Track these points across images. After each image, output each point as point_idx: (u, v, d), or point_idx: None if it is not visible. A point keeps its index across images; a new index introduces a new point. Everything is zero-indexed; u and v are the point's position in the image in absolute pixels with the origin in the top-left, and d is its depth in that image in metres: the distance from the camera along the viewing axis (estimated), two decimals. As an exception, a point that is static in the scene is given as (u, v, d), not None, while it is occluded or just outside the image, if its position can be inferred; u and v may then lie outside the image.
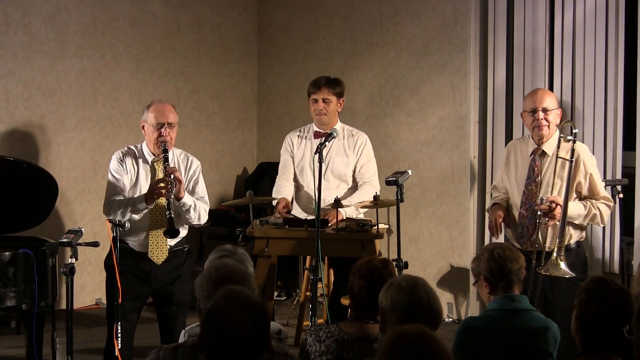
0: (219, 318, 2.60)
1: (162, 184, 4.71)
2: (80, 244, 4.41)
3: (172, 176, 4.72)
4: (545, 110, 4.87)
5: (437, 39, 6.86)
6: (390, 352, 2.44)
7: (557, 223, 4.71)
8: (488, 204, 5.46)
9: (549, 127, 4.88)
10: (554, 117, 4.91)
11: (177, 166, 4.92)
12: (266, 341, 2.67)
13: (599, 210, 4.80)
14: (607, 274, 5.90)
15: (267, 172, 7.70)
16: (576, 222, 4.79)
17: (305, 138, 5.75)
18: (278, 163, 5.98)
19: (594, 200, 4.82)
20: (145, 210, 4.80)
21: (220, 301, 2.66)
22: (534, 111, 4.88)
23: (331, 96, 5.61)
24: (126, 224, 4.61)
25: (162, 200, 4.78)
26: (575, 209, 4.77)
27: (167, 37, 7.53)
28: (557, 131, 4.92)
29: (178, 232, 4.76)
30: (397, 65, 7.12)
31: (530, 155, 4.94)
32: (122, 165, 4.91)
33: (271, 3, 8.02)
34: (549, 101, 4.91)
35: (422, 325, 2.55)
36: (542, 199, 4.78)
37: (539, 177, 4.88)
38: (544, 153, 4.90)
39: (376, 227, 5.35)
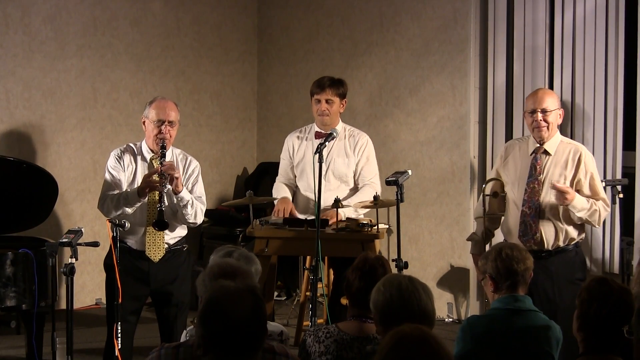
0: (218, 307, 2.60)
1: (155, 177, 4.71)
2: (80, 244, 4.40)
3: (166, 173, 4.71)
4: (544, 111, 4.86)
5: (437, 39, 6.86)
6: (390, 353, 2.44)
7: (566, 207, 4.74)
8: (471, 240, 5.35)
9: (548, 128, 4.88)
10: (554, 117, 4.90)
11: (175, 165, 4.92)
12: (266, 327, 2.68)
13: (598, 209, 4.82)
14: (607, 274, 5.90)
15: (267, 172, 7.70)
16: (579, 214, 4.77)
17: (306, 139, 5.74)
18: (278, 163, 5.98)
19: (594, 200, 4.85)
20: (139, 204, 4.79)
21: (214, 294, 2.66)
22: (533, 112, 4.89)
23: (334, 97, 5.60)
24: (126, 224, 4.60)
25: (156, 195, 4.78)
26: (581, 201, 4.78)
27: (167, 37, 7.53)
28: (558, 131, 4.95)
29: (167, 224, 4.74)
30: (397, 65, 7.11)
31: (532, 154, 4.94)
32: (119, 162, 4.91)
33: (271, 3, 8.02)
34: (549, 102, 4.90)
35: (423, 326, 2.55)
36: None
37: (541, 176, 4.88)
38: (545, 152, 4.91)
39: (376, 227, 5.35)
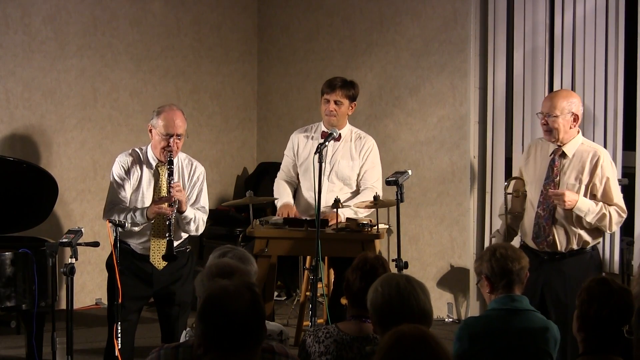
0: (217, 303, 2.62)
1: (165, 205, 4.73)
2: (80, 244, 4.40)
3: (175, 199, 4.74)
4: (549, 116, 4.75)
5: (437, 39, 6.86)
6: (390, 353, 2.44)
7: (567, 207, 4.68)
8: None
9: (551, 132, 4.77)
10: (563, 122, 4.75)
11: (180, 171, 4.92)
12: (264, 323, 2.69)
13: (609, 213, 4.72)
14: (607, 274, 5.90)
15: (267, 172, 7.69)
16: (587, 218, 4.69)
17: (312, 138, 5.73)
18: (278, 163, 5.97)
19: (606, 204, 4.75)
20: (145, 224, 4.82)
21: (212, 291, 2.67)
22: (542, 114, 4.81)
23: (344, 99, 5.57)
24: (126, 224, 4.61)
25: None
26: (586, 203, 4.69)
27: (167, 37, 7.53)
28: (579, 133, 4.84)
29: (176, 257, 4.79)
30: (397, 65, 7.12)
31: (550, 155, 4.86)
32: (124, 171, 4.89)
33: (271, 3, 8.02)
34: (558, 106, 4.75)
35: (421, 326, 2.55)
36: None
37: (558, 178, 4.80)
38: (564, 154, 4.82)
39: (376, 227, 5.35)
